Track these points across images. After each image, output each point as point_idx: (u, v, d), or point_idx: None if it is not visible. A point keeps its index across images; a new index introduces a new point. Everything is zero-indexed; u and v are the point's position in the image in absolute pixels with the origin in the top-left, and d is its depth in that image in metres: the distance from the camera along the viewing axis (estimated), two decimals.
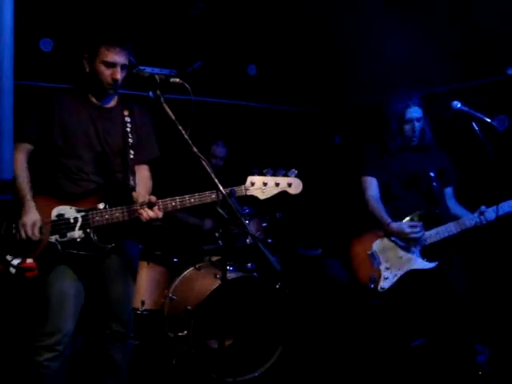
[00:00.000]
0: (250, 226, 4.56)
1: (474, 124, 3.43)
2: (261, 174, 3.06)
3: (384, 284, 3.66)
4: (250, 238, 4.32)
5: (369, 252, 3.75)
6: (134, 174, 3.13)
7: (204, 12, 4.60)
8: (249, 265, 4.51)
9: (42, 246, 2.91)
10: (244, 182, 3.05)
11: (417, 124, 3.75)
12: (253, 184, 3.04)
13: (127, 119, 3.18)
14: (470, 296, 3.64)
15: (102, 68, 3.00)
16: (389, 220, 3.72)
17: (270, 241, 4.72)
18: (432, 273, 3.65)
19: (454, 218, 3.73)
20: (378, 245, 3.76)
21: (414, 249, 3.70)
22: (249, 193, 3.05)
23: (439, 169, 3.82)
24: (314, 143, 6.24)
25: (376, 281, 3.66)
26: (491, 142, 3.41)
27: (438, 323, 3.71)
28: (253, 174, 3.06)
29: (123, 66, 3.04)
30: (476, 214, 3.61)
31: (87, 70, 3.06)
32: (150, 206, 2.96)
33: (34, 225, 2.86)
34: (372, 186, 3.88)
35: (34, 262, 2.88)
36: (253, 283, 4.27)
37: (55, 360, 2.91)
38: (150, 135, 3.30)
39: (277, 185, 3.06)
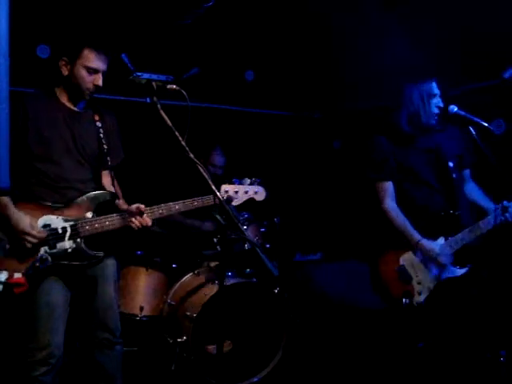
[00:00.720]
0: (249, 231, 4.56)
1: (470, 128, 3.42)
2: (230, 183, 3.38)
3: (419, 298, 3.51)
4: (248, 243, 4.33)
5: (397, 267, 3.58)
6: (113, 180, 3.12)
7: (201, 18, 4.61)
8: (247, 270, 4.51)
9: (31, 259, 2.80)
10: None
11: (440, 99, 3.60)
12: (226, 192, 3.30)
13: (99, 124, 3.14)
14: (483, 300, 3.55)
15: (83, 73, 2.95)
16: (419, 237, 3.53)
17: (268, 246, 4.72)
18: (462, 278, 3.51)
19: (475, 207, 3.59)
20: (405, 259, 3.59)
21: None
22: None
23: (457, 155, 3.64)
24: (312, 148, 6.24)
25: (410, 296, 3.51)
26: (488, 146, 3.40)
27: (449, 326, 3.62)
28: (224, 183, 3.32)
29: (104, 73, 3.00)
30: (499, 211, 3.41)
31: (65, 73, 2.98)
32: (140, 213, 2.95)
33: (32, 227, 2.76)
34: (389, 193, 3.66)
35: (22, 277, 2.74)
36: (251, 288, 4.27)
37: (49, 374, 2.88)
38: (117, 140, 3.27)
39: (246, 192, 3.38)
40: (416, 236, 3.54)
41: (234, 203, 3.34)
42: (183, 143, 2.46)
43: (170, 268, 4.57)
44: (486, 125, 3.40)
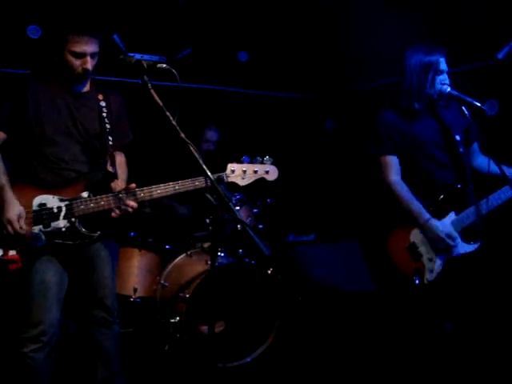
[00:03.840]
0: (241, 212, 4.56)
1: (464, 108, 3.40)
2: (238, 161, 3.14)
3: (430, 276, 3.37)
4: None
5: (407, 245, 3.45)
6: (114, 160, 3.09)
7: None
8: (240, 251, 4.52)
9: (25, 237, 2.81)
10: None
11: (447, 76, 3.43)
12: (233, 171, 3.12)
13: (102, 104, 3.10)
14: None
15: (71, 58, 2.90)
16: (427, 216, 3.36)
17: (261, 227, 4.72)
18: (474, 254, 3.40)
19: (492, 178, 3.41)
20: (416, 235, 3.43)
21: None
22: (230, 179, 3.11)
23: (463, 130, 3.49)
24: (305, 128, 6.22)
25: (421, 274, 3.38)
26: (481, 126, 3.38)
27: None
28: (232, 162, 3.12)
29: (93, 54, 2.95)
30: None
31: (55, 59, 2.94)
32: (133, 193, 2.94)
33: (19, 218, 2.77)
34: (394, 167, 3.47)
35: (17, 255, 2.77)
36: (244, 269, 4.28)
37: (41, 351, 2.88)
38: (124, 120, 3.24)
39: (255, 172, 3.17)
40: (425, 215, 3.37)
41: (242, 183, 3.13)
42: (174, 123, 2.44)
43: (163, 249, 4.58)
44: (480, 105, 3.37)
